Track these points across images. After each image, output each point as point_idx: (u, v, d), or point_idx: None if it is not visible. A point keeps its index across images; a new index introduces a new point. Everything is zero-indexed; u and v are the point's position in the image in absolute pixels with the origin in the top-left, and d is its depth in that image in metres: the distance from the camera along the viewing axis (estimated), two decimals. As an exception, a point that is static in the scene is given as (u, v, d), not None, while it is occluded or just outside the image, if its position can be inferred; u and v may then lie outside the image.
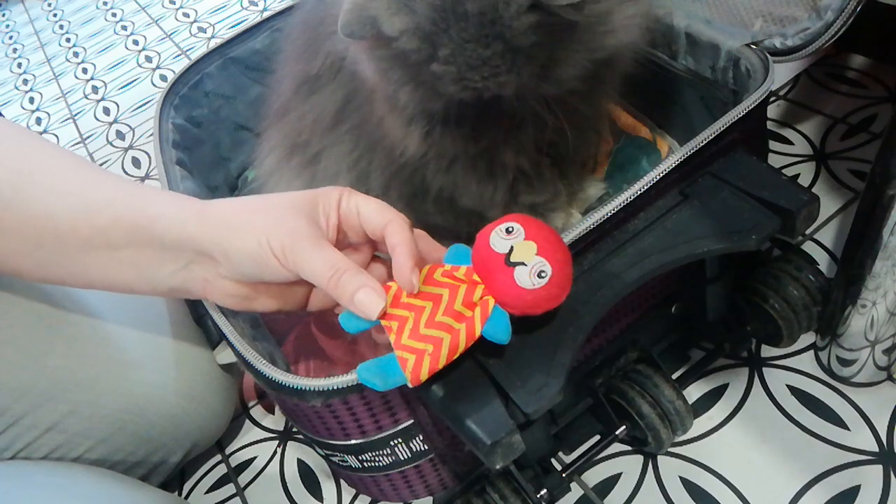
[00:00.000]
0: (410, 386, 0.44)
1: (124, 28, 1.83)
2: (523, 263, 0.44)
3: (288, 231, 0.45)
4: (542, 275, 0.43)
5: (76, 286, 0.53)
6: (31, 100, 1.66)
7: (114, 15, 1.93)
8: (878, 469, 0.54)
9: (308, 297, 0.51)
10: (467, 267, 0.46)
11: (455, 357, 0.44)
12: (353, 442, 0.53)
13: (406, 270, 0.45)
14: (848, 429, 0.57)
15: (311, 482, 0.69)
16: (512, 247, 0.44)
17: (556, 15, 0.47)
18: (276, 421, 0.75)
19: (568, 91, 0.54)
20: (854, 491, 0.53)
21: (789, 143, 0.82)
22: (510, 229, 0.45)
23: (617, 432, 0.57)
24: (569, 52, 0.51)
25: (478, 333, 0.44)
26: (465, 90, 0.50)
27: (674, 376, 0.63)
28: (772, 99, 0.87)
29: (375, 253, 0.52)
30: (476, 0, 0.46)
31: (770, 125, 0.84)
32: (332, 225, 0.48)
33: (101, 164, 1.31)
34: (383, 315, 0.45)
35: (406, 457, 0.55)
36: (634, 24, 0.54)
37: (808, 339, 0.63)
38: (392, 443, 0.53)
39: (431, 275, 0.47)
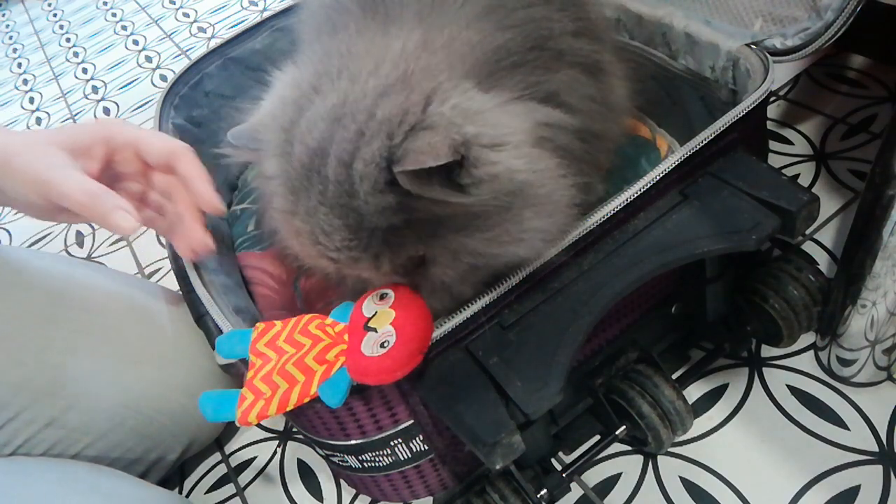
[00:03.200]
0: (238, 424, 0.45)
1: (124, 28, 1.83)
2: (375, 330, 0.44)
3: (44, 167, 0.51)
4: (385, 345, 0.43)
5: None
6: (31, 100, 1.66)
7: (114, 15, 1.93)
8: (878, 469, 0.54)
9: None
10: (344, 325, 0.47)
11: (287, 408, 0.44)
12: (353, 442, 0.53)
13: (209, 195, 0.52)
14: (848, 429, 0.57)
15: (311, 482, 0.69)
16: (376, 312, 0.45)
17: (422, 202, 0.42)
18: (276, 421, 0.75)
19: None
20: (854, 491, 0.53)
21: (789, 143, 0.82)
22: (384, 295, 0.46)
23: (617, 432, 0.57)
24: (446, 253, 0.45)
25: (313, 391, 0.44)
26: (322, 257, 0.46)
27: (674, 376, 0.63)
28: (772, 99, 0.87)
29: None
30: (336, 166, 0.42)
31: (770, 125, 0.84)
32: (96, 156, 0.54)
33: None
34: (253, 350, 0.48)
35: (406, 457, 0.55)
36: (539, 240, 0.47)
37: (808, 339, 0.63)
38: (392, 443, 0.53)
39: (308, 325, 0.48)
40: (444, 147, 0.40)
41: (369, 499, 0.65)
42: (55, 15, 2.09)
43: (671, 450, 0.60)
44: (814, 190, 0.71)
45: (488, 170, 0.42)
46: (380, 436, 0.53)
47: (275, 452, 0.72)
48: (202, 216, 0.57)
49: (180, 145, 0.55)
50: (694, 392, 0.63)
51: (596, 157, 0.54)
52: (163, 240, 1.01)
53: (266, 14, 0.89)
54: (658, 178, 0.50)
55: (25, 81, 1.76)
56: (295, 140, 0.45)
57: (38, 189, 0.50)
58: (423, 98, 0.42)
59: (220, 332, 0.53)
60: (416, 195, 0.41)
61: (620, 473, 0.60)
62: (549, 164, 0.46)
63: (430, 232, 0.44)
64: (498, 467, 0.43)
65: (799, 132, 0.83)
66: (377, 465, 0.56)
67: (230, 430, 0.75)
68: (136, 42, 1.73)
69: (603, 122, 0.54)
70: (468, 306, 0.47)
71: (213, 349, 0.52)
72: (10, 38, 2.07)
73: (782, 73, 0.90)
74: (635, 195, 0.50)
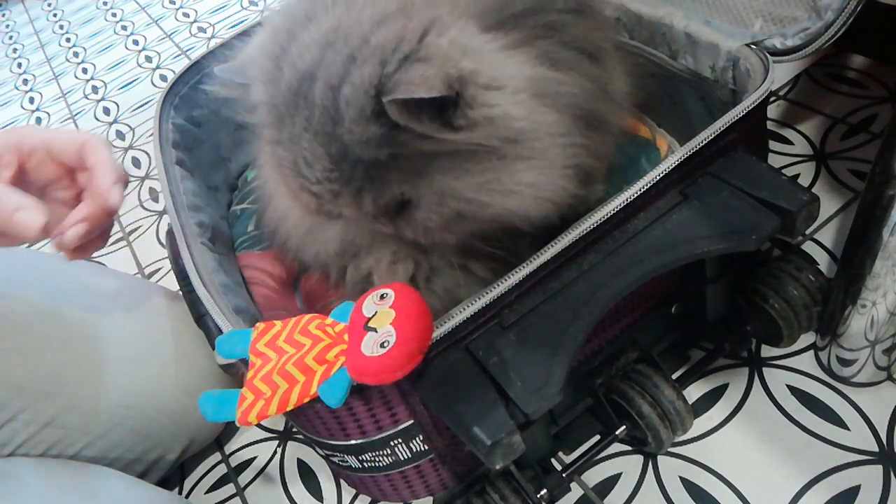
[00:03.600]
0: (238, 424, 0.45)
1: (124, 28, 1.83)
2: (375, 330, 0.44)
3: None
4: (385, 345, 0.42)
5: None
6: (31, 100, 1.66)
7: (114, 15, 1.93)
8: (878, 469, 0.54)
9: None
10: (344, 325, 0.47)
11: (287, 408, 0.44)
12: (353, 442, 0.53)
13: (105, 185, 0.49)
14: (848, 429, 0.57)
15: (311, 482, 0.69)
16: (376, 312, 0.45)
17: (409, 137, 0.41)
18: (276, 421, 0.75)
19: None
20: (854, 491, 0.53)
21: (789, 143, 0.82)
22: (384, 295, 0.46)
23: (617, 432, 0.57)
24: (432, 196, 0.44)
25: (313, 391, 0.44)
26: (304, 191, 0.45)
27: (674, 376, 0.63)
28: (772, 99, 0.87)
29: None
30: (324, 90, 0.41)
31: (770, 125, 0.84)
32: (7, 164, 0.51)
33: (101, 164, 1.31)
34: (253, 350, 0.47)
35: (406, 457, 0.55)
36: (530, 195, 0.45)
37: (808, 339, 0.63)
38: (392, 443, 0.53)
39: (308, 325, 0.48)
40: (438, 80, 0.38)
41: (369, 499, 0.65)
42: (55, 15, 2.09)
43: (671, 450, 0.60)
44: (814, 190, 0.71)
45: (484, 112, 0.41)
46: (380, 436, 0.53)
47: (275, 452, 0.72)
48: (94, 209, 0.52)
49: (88, 136, 0.52)
50: (694, 392, 0.63)
51: (597, 143, 0.53)
52: (163, 239, 1.01)
53: (266, 14, 0.89)
54: (658, 178, 0.50)
55: (25, 81, 1.76)
56: (284, 64, 0.43)
57: None
58: (421, 28, 0.41)
59: (220, 332, 0.53)
60: (404, 128, 0.40)
61: (620, 473, 0.60)
62: (548, 118, 0.45)
63: (417, 171, 0.43)
64: (498, 467, 0.43)
65: (799, 132, 0.83)
66: (377, 465, 0.56)
67: (230, 429, 0.75)
68: (136, 42, 1.73)
69: (603, 105, 0.53)
70: (468, 306, 0.47)
71: (213, 349, 0.52)
72: (10, 38, 2.06)
73: (782, 73, 0.90)
74: (635, 195, 0.50)
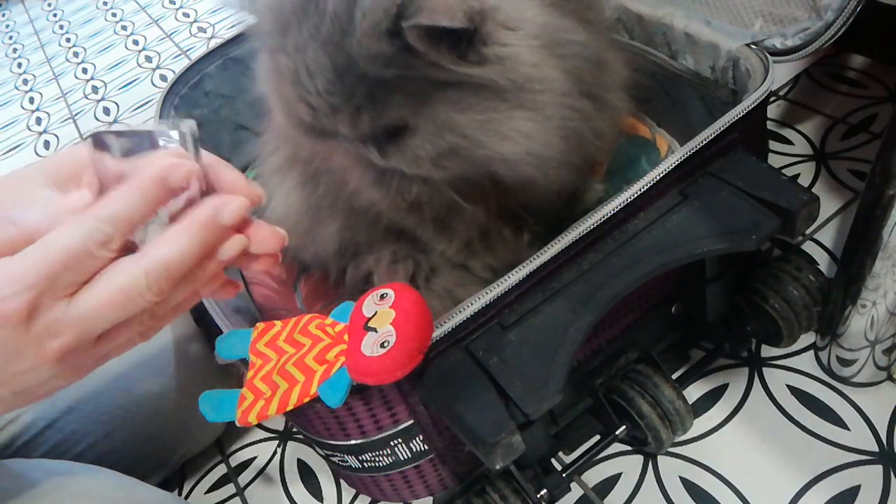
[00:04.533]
0: (238, 424, 0.45)
1: (124, 28, 1.83)
2: (375, 330, 0.44)
3: (10, 204, 0.39)
4: (385, 345, 0.43)
5: None
6: (31, 100, 1.66)
7: (114, 15, 1.93)
8: (878, 469, 0.54)
9: None
10: (344, 325, 0.47)
11: (287, 408, 0.44)
12: (353, 442, 0.53)
13: (242, 184, 0.39)
14: (848, 429, 0.57)
15: (311, 482, 0.69)
16: (376, 312, 0.45)
17: (420, 62, 0.40)
18: (276, 421, 0.75)
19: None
20: (854, 491, 0.53)
21: (789, 143, 0.82)
22: (384, 295, 0.46)
23: (617, 432, 0.57)
24: (431, 125, 0.44)
25: (313, 391, 0.44)
26: (301, 102, 0.44)
27: (674, 376, 0.63)
28: (772, 99, 0.87)
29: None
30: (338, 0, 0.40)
31: (770, 125, 0.84)
32: (87, 183, 0.41)
33: (101, 164, 1.31)
34: (253, 350, 0.47)
35: (406, 457, 0.55)
36: (523, 145, 0.45)
37: (808, 339, 0.63)
38: (392, 443, 0.53)
39: (308, 325, 0.48)
40: (460, 11, 0.39)
41: (369, 499, 0.65)
42: (55, 15, 2.09)
43: (671, 450, 0.60)
44: (814, 190, 0.71)
45: (498, 50, 0.41)
46: (380, 436, 0.53)
47: (275, 452, 0.72)
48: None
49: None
50: (694, 392, 0.63)
51: (596, 118, 0.52)
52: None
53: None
54: (658, 178, 0.50)
55: (25, 81, 1.76)
56: None
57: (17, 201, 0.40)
58: None
59: (221, 332, 0.53)
60: (415, 53, 0.40)
61: (620, 473, 0.59)
62: (554, 73, 0.45)
63: (421, 97, 0.42)
64: (498, 467, 0.43)
65: (799, 132, 0.83)
66: (377, 465, 0.56)
67: (230, 430, 0.75)
68: (136, 42, 1.73)
69: (602, 78, 0.53)
70: (468, 306, 0.47)
71: (213, 349, 0.52)
72: (10, 38, 2.06)
73: (782, 73, 0.90)
74: (635, 195, 0.50)
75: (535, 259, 0.48)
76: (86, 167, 0.41)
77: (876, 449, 0.55)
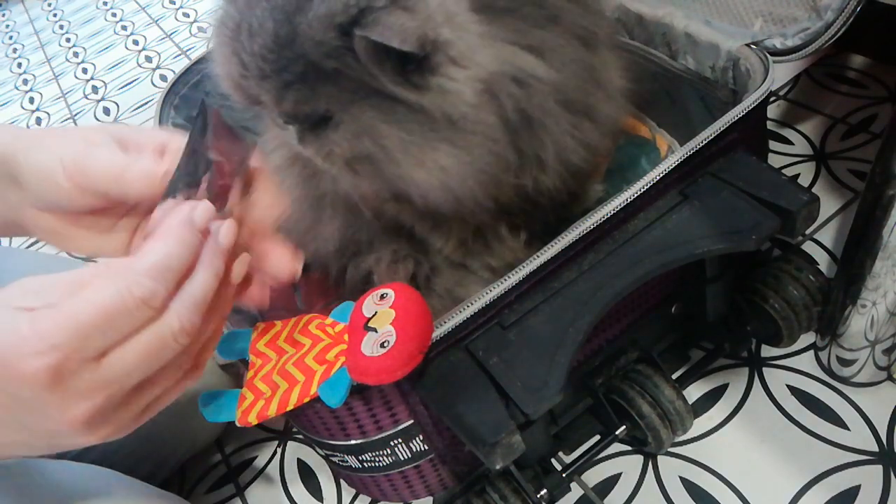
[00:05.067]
0: (238, 424, 0.45)
1: (124, 28, 1.83)
2: (375, 330, 0.44)
3: (83, 147, 0.40)
4: (385, 345, 0.42)
5: None
6: (31, 100, 1.66)
7: (114, 15, 1.93)
8: (878, 469, 0.54)
9: (129, 243, 0.45)
10: (344, 325, 0.47)
11: (287, 409, 0.44)
12: (353, 442, 0.53)
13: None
14: (848, 429, 0.57)
15: (311, 482, 0.69)
16: (376, 312, 0.45)
17: (362, 66, 0.40)
18: (276, 421, 0.75)
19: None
20: (854, 491, 0.53)
21: (789, 143, 0.82)
22: (384, 295, 0.46)
23: (617, 432, 0.57)
24: (353, 126, 0.43)
25: (313, 391, 0.44)
26: (235, 55, 0.43)
27: (674, 376, 0.63)
28: (772, 99, 0.87)
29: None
30: None
31: (770, 125, 0.84)
32: (147, 149, 0.42)
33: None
34: (253, 350, 0.47)
35: (406, 457, 0.55)
36: (437, 177, 0.45)
37: (808, 339, 0.63)
38: (392, 443, 0.53)
39: (308, 325, 0.48)
40: (414, 36, 0.39)
41: (369, 499, 0.65)
42: (55, 15, 2.09)
43: (671, 450, 0.60)
44: (814, 190, 0.71)
45: (440, 82, 0.42)
46: (380, 436, 0.53)
47: (275, 452, 0.72)
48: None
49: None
50: (694, 392, 0.63)
51: (586, 133, 0.52)
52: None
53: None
54: (658, 178, 0.50)
55: (25, 81, 1.76)
56: None
57: (73, 171, 0.40)
58: None
59: (220, 332, 0.53)
60: (360, 59, 0.40)
61: (620, 473, 0.60)
62: (490, 118, 0.45)
63: (352, 96, 0.42)
64: (498, 467, 0.43)
65: (799, 132, 0.83)
66: (377, 465, 0.56)
67: (230, 430, 0.75)
68: (136, 42, 1.73)
69: (594, 94, 0.53)
70: (468, 306, 0.47)
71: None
72: (10, 38, 2.06)
73: (782, 73, 0.90)
74: (635, 195, 0.50)
75: (535, 259, 0.48)
76: (150, 144, 0.41)
77: (876, 449, 0.55)
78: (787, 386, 0.61)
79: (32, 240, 1.19)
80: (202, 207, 0.36)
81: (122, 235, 0.45)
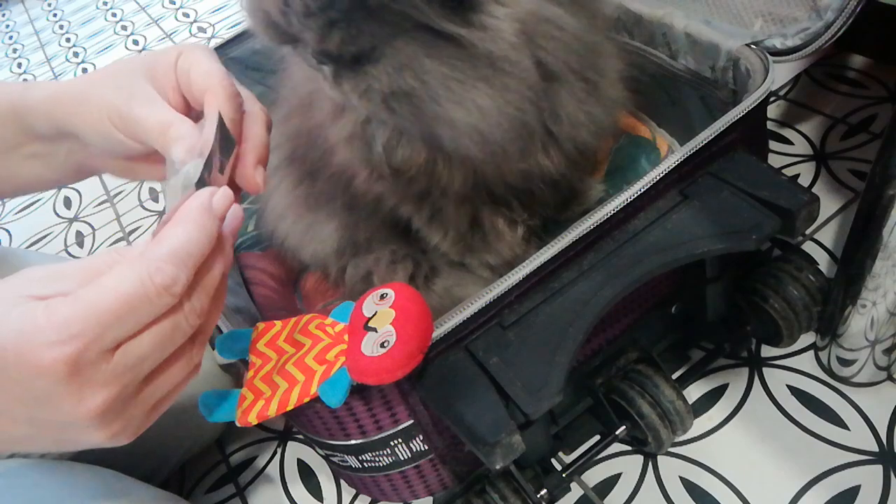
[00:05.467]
0: (238, 424, 0.45)
1: (124, 28, 1.83)
2: (375, 330, 0.44)
3: (124, 98, 0.42)
4: (385, 345, 0.42)
5: (5, 195, 0.54)
6: (31, 100, 1.66)
7: (114, 15, 1.93)
8: (878, 469, 0.54)
9: None
10: (344, 325, 0.47)
11: (287, 409, 0.44)
12: (353, 442, 0.53)
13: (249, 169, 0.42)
14: (848, 429, 0.57)
15: (311, 482, 0.69)
16: (376, 312, 0.45)
17: (401, 3, 0.41)
18: (276, 421, 0.75)
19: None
20: (854, 491, 0.53)
21: (789, 143, 0.82)
22: (384, 295, 0.46)
23: (617, 432, 0.57)
24: (395, 60, 0.43)
25: (313, 391, 0.44)
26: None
27: (674, 376, 0.63)
28: (772, 99, 0.87)
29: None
30: None
31: (770, 125, 0.84)
32: (170, 86, 0.44)
33: (101, 164, 1.31)
34: (253, 350, 0.47)
35: (406, 457, 0.55)
36: (474, 118, 0.45)
37: (808, 339, 0.63)
38: (392, 443, 0.53)
39: (308, 325, 0.48)
40: None
41: (369, 499, 0.65)
42: (55, 15, 2.09)
43: (671, 450, 0.60)
44: (814, 190, 0.71)
45: (484, 19, 0.42)
46: (380, 436, 0.53)
47: (275, 452, 0.72)
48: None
49: (218, 80, 0.42)
50: (694, 392, 0.63)
51: (595, 112, 0.53)
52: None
53: (266, 14, 0.89)
54: (658, 178, 0.50)
55: (25, 81, 1.76)
56: None
57: (120, 125, 0.43)
58: None
59: (220, 332, 0.53)
60: None
61: (620, 473, 0.59)
62: (526, 62, 0.45)
63: (398, 31, 0.42)
64: (498, 467, 0.43)
65: (799, 132, 0.83)
66: (377, 465, 0.56)
67: (230, 430, 0.75)
68: (136, 42, 1.73)
69: (598, 70, 0.52)
70: (468, 306, 0.47)
71: (213, 349, 0.52)
72: (10, 38, 2.06)
73: (782, 73, 0.90)
74: (635, 195, 0.50)
75: (535, 259, 0.48)
76: (170, 68, 0.43)
77: (876, 449, 0.55)
78: (787, 386, 0.61)
79: (32, 240, 1.19)
80: (222, 194, 0.36)
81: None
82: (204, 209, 0.34)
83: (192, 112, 0.44)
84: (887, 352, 0.56)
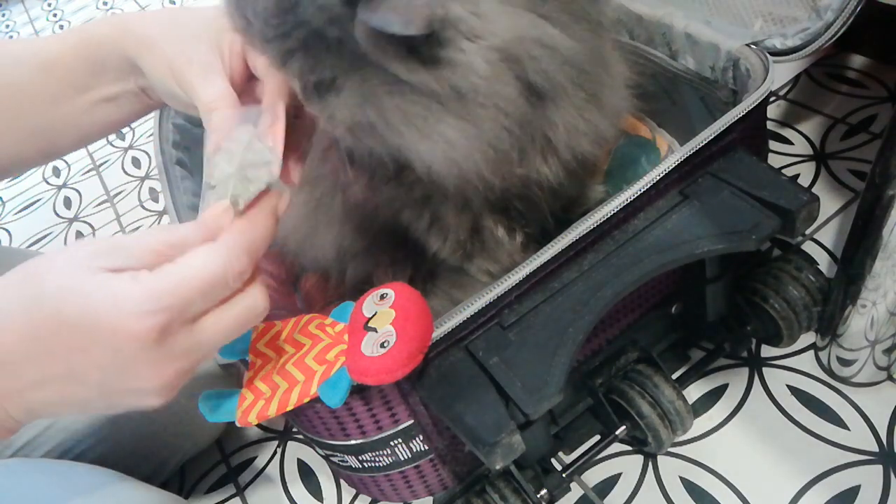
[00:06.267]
0: (238, 424, 0.45)
1: (124, 28, 1.83)
2: (375, 330, 0.43)
3: (186, 58, 0.44)
4: (385, 345, 0.42)
5: (71, 146, 0.56)
6: (31, 100, 1.66)
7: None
8: (878, 469, 0.54)
9: None
10: (344, 325, 0.47)
11: (287, 409, 0.44)
12: (353, 442, 0.53)
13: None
14: (848, 429, 0.57)
15: (311, 482, 0.69)
16: (376, 312, 0.45)
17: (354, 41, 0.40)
18: (276, 421, 0.75)
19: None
20: (854, 491, 0.53)
21: (789, 143, 0.82)
22: (384, 295, 0.46)
23: (617, 432, 0.57)
24: (356, 92, 0.43)
25: (313, 391, 0.44)
26: (239, 10, 0.42)
27: (674, 376, 0.63)
28: (772, 99, 0.87)
29: None
30: None
31: (770, 125, 0.84)
32: (234, 52, 0.45)
33: (100, 165, 1.31)
34: (253, 350, 0.47)
35: (406, 457, 0.55)
36: (442, 150, 0.44)
37: (808, 339, 0.63)
38: (392, 443, 0.53)
39: (308, 325, 0.48)
40: (420, 18, 0.37)
41: (369, 499, 0.65)
42: (55, 15, 2.09)
43: (671, 450, 0.60)
44: (814, 190, 0.71)
45: (451, 55, 0.40)
46: (380, 436, 0.53)
47: (275, 452, 0.72)
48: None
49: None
50: (694, 392, 0.63)
51: (596, 122, 0.51)
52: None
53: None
54: (658, 178, 0.50)
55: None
56: None
57: (178, 82, 0.45)
58: None
59: (220, 332, 0.53)
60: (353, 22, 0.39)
61: (620, 473, 0.59)
62: (507, 90, 0.44)
63: (356, 64, 0.41)
64: (498, 467, 0.43)
65: (799, 132, 0.83)
66: (377, 465, 0.56)
67: (230, 430, 0.75)
68: (136, 42, 1.72)
69: (601, 80, 0.51)
70: (468, 306, 0.47)
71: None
72: (10, 38, 2.06)
73: (782, 73, 0.90)
74: (635, 195, 0.50)
75: (535, 259, 0.48)
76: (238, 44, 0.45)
77: (876, 449, 0.55)
78: (787, 386, 0.61)
79: (32, 240, 1.19)
80: (285, 200, 0.41)
81: None
82: (272, 213, 0.39)
83: (253, 82, 0.46)
84: (887, 352, 0.56)
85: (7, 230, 1.25)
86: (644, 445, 0.58)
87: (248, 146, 0.40)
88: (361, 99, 0.43)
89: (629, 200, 0.50)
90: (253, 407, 0.44)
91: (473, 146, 0.45)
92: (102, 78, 0.50)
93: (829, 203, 0.73)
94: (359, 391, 0.48)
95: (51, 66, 0.51)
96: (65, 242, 1.15)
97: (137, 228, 1.13)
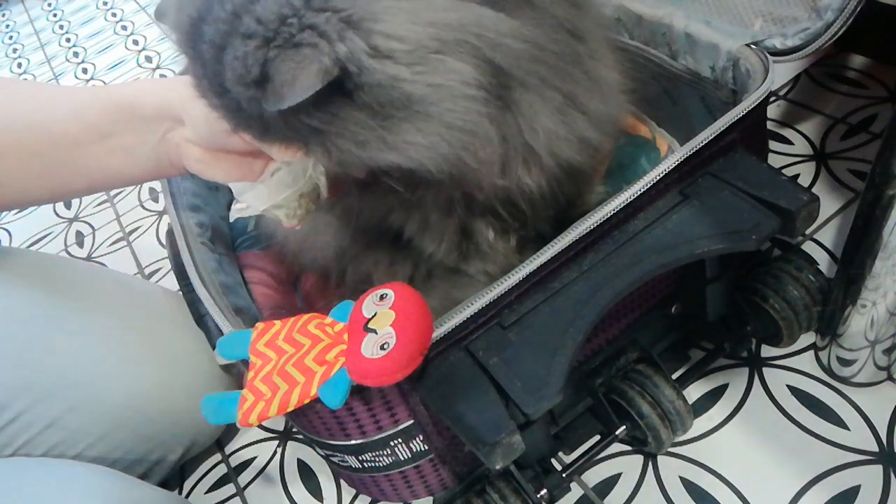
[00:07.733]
0: (239, 425, 0.45)
1: (124, 28, 1.83)
2: (375, 331, 0.43)
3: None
4: (385, 346, 0.42)
5: (78, 191, 0.59)
6: (31, 100, 1.66)
7: (114, 15, 1.93)
8: (878, 469, 0.54)
9: (260, 173, 0.53)
10: (344, 324, 0.46)
11: (288, 410, 0.44)
12: (353, 442, 0.53)
13: None
14: (848, 429, 0.57)
15: (311, 482, 0.69)
16: (376, 313, 0.44)
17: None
18: (276, 421, 0.75)
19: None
20: (854, 491, 0.53)
21: (789, 143, 0.82)
22: (384, 296, 0.45)
23: (617, 432, 0.57)
24: (320, 149, 0.44)
25: (313, 392, 0.44)
26: (194, 65, 0.44)
27: (674, 376, 0.63)
28: (772, 99, 0.87)
29: None
30: (208, 47, 0.41)
31: (770, 125, 0.84)
32: None
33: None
34: (253, 350, 0.47)
35: (406, 457, 0.55)
36: (413, 153, 0.44)
37: (808, 339, 0.63)
38: (392, 443, 0.53)
39: (307, 324, 0.48)
40: (312, 75, 0.37)
41: (369, 499, 0.65)
42: (55, 15, 2.09)
43: (671, 450, 0.60)
44: (814, 190, 0.71)
45: (369, 77, 0.40)
46: (380, 436, 0.53)
47: (275, 452, 0.72)
48: None
49: None
50: (694, 392, 0.63)
51: (582, 129, 0.51)
52: (163, 239, 1.01)
53: None
54: (658, 178, 0.50)
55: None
56: (184, 4, 0.42)
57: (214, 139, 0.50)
58: None
59: (221, 332, 0.53)
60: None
61: (620, 473, 0.60)
62: (454, 77, 0.42)
63: (299, 131, 0.43)
64: (498, 467, 0.43)
65: (799, 132, 0.83)
66: (377, 465, 0.56)
67: (230, 430, 0.75)
68: (136, 42, 1.73)
69: (582, 84, 0.50)
70: (468, 306, 0.47)
71: (214, 349, 0.52)
72: (10, 38, 2.06)
73: (782, 73, 0.90)
74: (635, 195, 0.50)
75: (535, 259, 0.48)
76: None
77: (876, 449, 0.55)
78: (787, 386, 0.61)
79: (32, 240, 1.19)
80: None
81: (259, 164, 0.52)
82: None
83: None
84: (887, 352, 0.56)
85: (7, 230, 1.25)
86: (644, 445, 0.58)
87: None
88: (325, 149, 0.44)
89: (629, 200, 0.50)
90: (254, 408, 0.44)
91: (446, 136, 0.44)
92: (128, 126, 0.52)
93: (829, 203, 0.73)
94: (359, 391, 0.48)
95: (83, 110, 0.52)
96: (65, 242, 1.16)
97: (137, 228, 1.13)
